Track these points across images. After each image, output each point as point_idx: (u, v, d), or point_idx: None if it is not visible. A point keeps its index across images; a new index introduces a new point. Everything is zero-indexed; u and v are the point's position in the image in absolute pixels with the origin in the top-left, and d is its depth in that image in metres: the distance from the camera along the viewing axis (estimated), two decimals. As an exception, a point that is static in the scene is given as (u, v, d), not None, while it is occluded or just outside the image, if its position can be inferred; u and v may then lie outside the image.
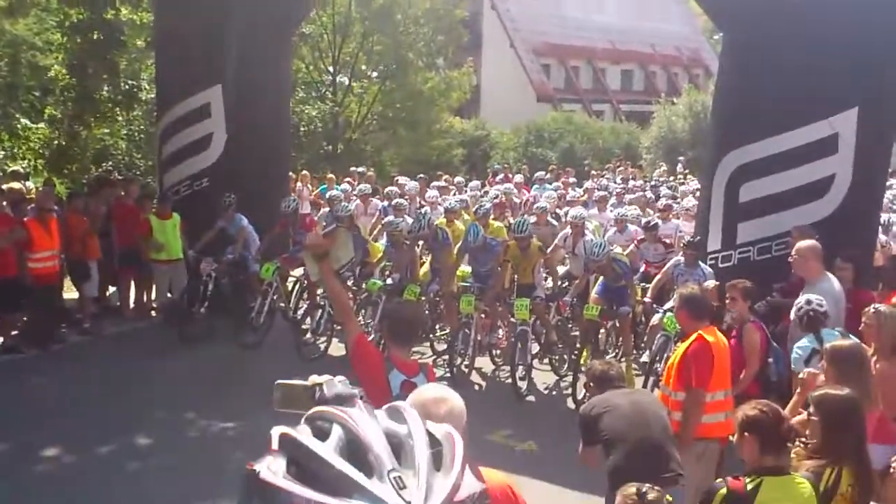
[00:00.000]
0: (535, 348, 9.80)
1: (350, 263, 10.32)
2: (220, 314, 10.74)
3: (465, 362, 9.69)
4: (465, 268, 10.58)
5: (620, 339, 9.79)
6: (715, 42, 38.99)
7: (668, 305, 8.37)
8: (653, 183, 20.74)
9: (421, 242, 11.27)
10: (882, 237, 10.41)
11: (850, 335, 5.99)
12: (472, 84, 31.43)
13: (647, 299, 9.56)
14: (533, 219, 12.31)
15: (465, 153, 30.76)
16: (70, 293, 11.34)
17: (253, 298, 10.70)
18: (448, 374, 9.23)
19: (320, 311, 10.39)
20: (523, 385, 9.23)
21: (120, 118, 19.62)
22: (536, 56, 41.89)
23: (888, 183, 12.78)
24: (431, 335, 10.68)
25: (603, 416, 4.71)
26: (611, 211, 13.74)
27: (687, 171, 24.38)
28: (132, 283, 12.08)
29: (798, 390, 5.01)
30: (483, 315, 10.13)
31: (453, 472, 1.09)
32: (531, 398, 9.27)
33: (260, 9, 12.42)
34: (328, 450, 1.05)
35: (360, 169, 19.52)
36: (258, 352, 10.23)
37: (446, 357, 9.83)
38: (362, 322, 10.57)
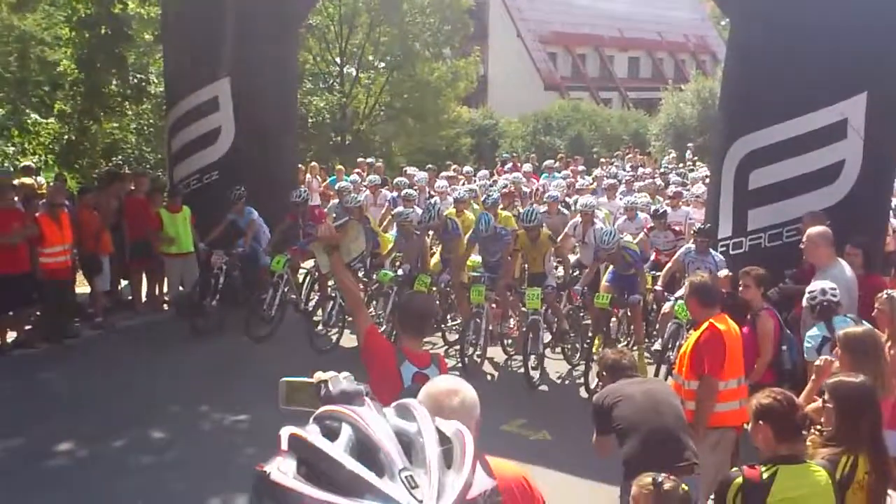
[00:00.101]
0: (547, 337, 9.79)
1: (361, 256, 10.33)
2: (231, 307, 10.77)
3: (477, 352, 9.70)
4: (475, 258, 10.58)
5: (632, 327, 9.79)
6: (722, 28, 38.75)
7: (679, 293, 8.35)
8: (662, 170, 20.67)
9: (431, 233, 11.28)
10: (893, 222, 10.36)
11: (864, 321, 5.98)
12: (479, 73, 31.37)
13: (658, 287, 9.55)
14: (543, 208, 12.30)
15: (474, 142, 30.71)
16: (82, 287, 11.40)
17: (264, 291, 10.72)
18: (459, 365, 9.25)
19: (331, 302, 10.40)
20: (536, 374, 9.23)
21: (129, 112, 19.65)
22: (543, 44, 41.74)
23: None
24: (443, 325, 10.70)
25: (616, 406, 4.70)
26: (620, 199, 13.70)
27: (696, 157, 24.31)
28: (144, 277, 12.13)
29: (813, 377, 5.00)
30: (494, 305, 10.13)
31: (464, 470, 1.08)
32: (544, 387, 9.28)
33: (266, 1, 12.39)
34: (338, 450, 1.04)
35: (370, 160, 19.54)
36: (270, 344, 10.26)
37: (458, 347, 9.84)
38: (374, 313, 10.60)
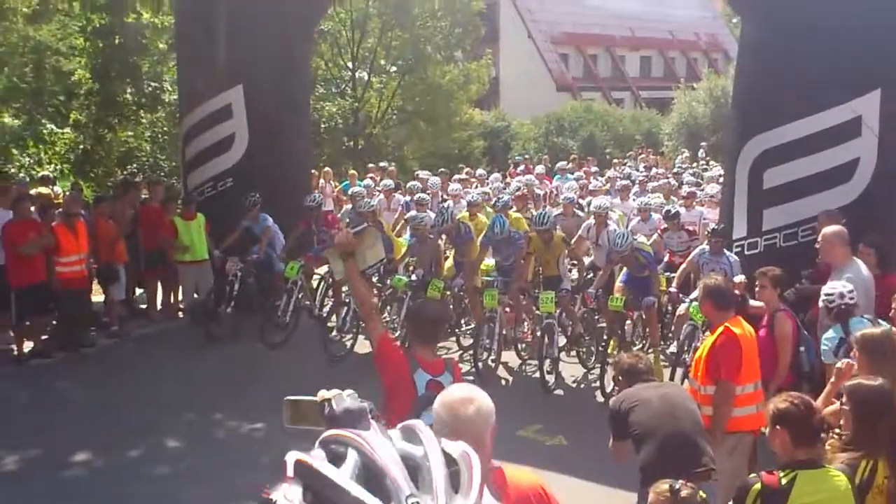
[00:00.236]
0: (562, 341, 9.76)
1: (378, 264, 10.32)
2: (246, 314, 10.81)
3: (492, 357, 9.68)
4: (489, 261, 10.56)
5: (647, 329, 9.74)
6: (734, 26, 38.51)
7: (694, 295, 8.30)
8: (675, 170, 20.60)
9: (444, 237, 11.27)
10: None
11: (881, 321, 5.93)
12: (490, 76, 31.34)
13: (672, 289, 9.50)
14: (558, 210, 12.28)
15: (486, 145, 30.70)
16: (97, 296, 11.46)
17: (278, 297, 10.75)
18: (473, 370, 9.23)
19: (346, 308, 10.42)
20: (551, 379, 9.20)
21: (144, 120, 19.79)
22: (554, 45, 41.69)
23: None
24: (457, 330, 10.68)
25: (633, 411, 4.68)
26: (633, 200, 13.65)
27: (708, 157, 24.21)
28: (159, 285, 12.19)
29: (832, 380, 4.96)
30: (507, 309, 10.11)
31: (472, 494, 1.07)
32: (559, 392, 9.24)
33: (279, 8, 12.44)
34: (344, 476, 1.04)
35: (382, 164, 19.57)
36: (284, 350, 10.29)
37: (472, 352, 9.82)
38: (388, 319, 10.61)
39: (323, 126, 24.38)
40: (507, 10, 41.31)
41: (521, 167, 21.12)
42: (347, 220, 12.32)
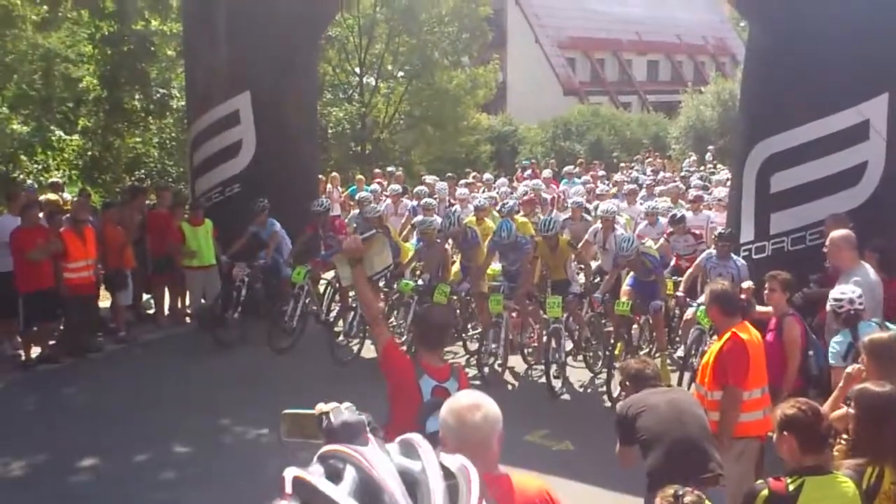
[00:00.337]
0: (569, 346, 9.74)
1: (385, 270, 10.33)
2: (253, 319, 10.83)
3: (498, 362, 9.67)
4: (495, 266, 10.55)
5: (654, 333, 9.72)
6: (741, 29, 38.47)
7: (701, 299, 8.28)
8: (683, 173, 20.55)
9: (450, 241, 11.27)
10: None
11: (889, 325, 5.90)
12: (497, 80, 31.36)
13: (679, 293, 9.47)
14: (565, 214, 12.27)
15: (493, 149, 30.71)
16: (104, 302, 11.49)
17: (285, 302, 10.76)
18: (479, 374, 9.21)
19: (352, 313, 10.43)
20: (558, 383, 9.18)
21: (152, 127, 19.86)
22: (561, 50, 41.71)
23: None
24: (464, 335, 10.68)
25: (640, 416, 4.66)
26: (641, 204, 13.62)
27: (715, 160, 24.16)
28: (166, 290, 12.23)
29: (840, 385, 4.93)
30: (514, 314, 10.09)
31: None
32: (566, 396, 9.22)
33: (286, 15, 12.47)
34: (342, 493, 1.03)
35: (390, 169, 19.60)
36: (291, 355, 10.29)
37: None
38: (394, 323, 10.61)
39: (330, 131, 24.42)
40: (515, 15, 41.36)
41: (529, 171, 21.11)
42: (354, 225, 12.34)
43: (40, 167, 18.18)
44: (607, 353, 9.55)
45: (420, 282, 10.35)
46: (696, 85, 33.47)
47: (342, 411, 1.55)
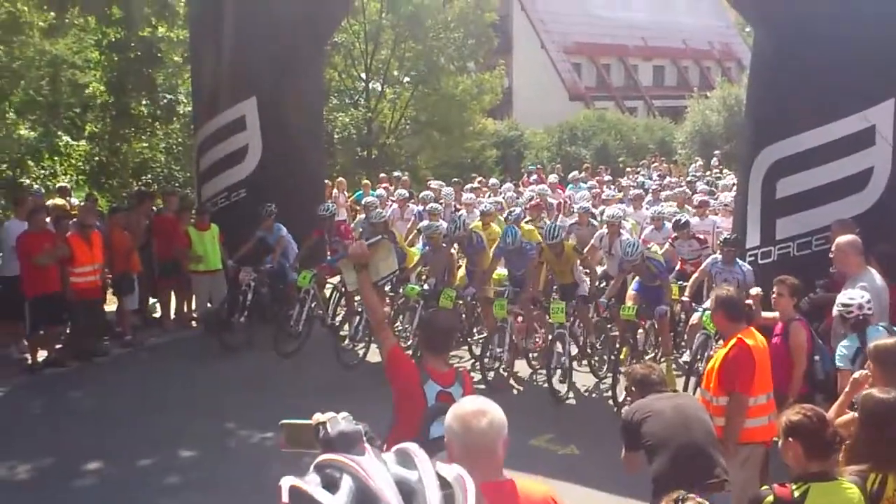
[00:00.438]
0: (574, 350, 9.73)
1: (391, 276, 10.32)
2: (259, 323, 10.85)
3: (503, 366, 9.66)
4: (501, 270, 10.56)
5: (659, 338, 9.70)
6: (747, 35, 38.44)
7: (706, 304, 8.27)
8: (689, 178, 20.54)
9: (456, 246, 11.28)
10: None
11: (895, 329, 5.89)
12: (503, 86, 31.39)
13: (685, 298, 9.46)
14: (571, 219, 12.26)
15: (499, 154, 30.74)
16: (110, 306, 11.52)
17: (291, 307, 10.78)
18: (483, 379, 9.21)
19: (358, 317, 10.44)
20: (562, 388, 9.17)
21: (159, 132, 19.94)
22: (567, 55, 41.76)
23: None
24: (469, 339, 10.68)
25: (645, 422, 4.65)
26: (647, 208, 13.62)
27: (722, 165, 24.14)
28: (172, 295, 12.26)
29: (846, 389, 4.92)
30: (519, 319, 10.09)
31: None
32: (571, 401, 9.21)
33: (293, 20, 12.52)
34: (339, 502, 1.04)
35: (396, 174, 19.62)
36: (297, 359, 10.30)
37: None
38: (400, 327, 10.62)
39: (336, 136, 24.50)
40: (520, 20, 41.43)
41: (535, 176, 21.13)
42: (360, 229, 12.36)
43: (47, 172, 18.28)
44: (612, 357, 9.53)
45: (426, 286, 10.36)
46: (702, 90, 33.45)
47: (339, 421, 1.55)
